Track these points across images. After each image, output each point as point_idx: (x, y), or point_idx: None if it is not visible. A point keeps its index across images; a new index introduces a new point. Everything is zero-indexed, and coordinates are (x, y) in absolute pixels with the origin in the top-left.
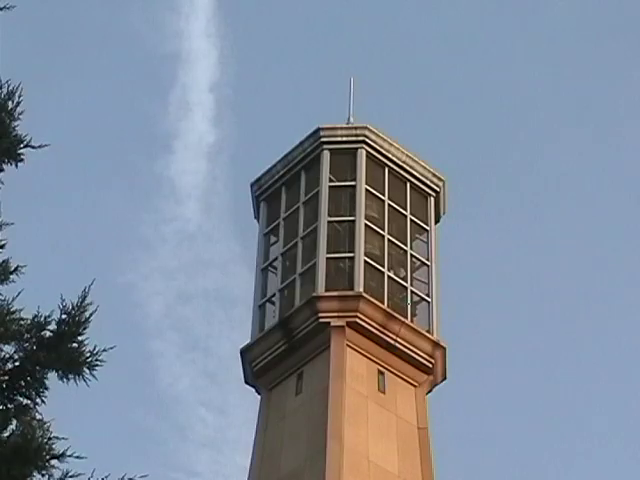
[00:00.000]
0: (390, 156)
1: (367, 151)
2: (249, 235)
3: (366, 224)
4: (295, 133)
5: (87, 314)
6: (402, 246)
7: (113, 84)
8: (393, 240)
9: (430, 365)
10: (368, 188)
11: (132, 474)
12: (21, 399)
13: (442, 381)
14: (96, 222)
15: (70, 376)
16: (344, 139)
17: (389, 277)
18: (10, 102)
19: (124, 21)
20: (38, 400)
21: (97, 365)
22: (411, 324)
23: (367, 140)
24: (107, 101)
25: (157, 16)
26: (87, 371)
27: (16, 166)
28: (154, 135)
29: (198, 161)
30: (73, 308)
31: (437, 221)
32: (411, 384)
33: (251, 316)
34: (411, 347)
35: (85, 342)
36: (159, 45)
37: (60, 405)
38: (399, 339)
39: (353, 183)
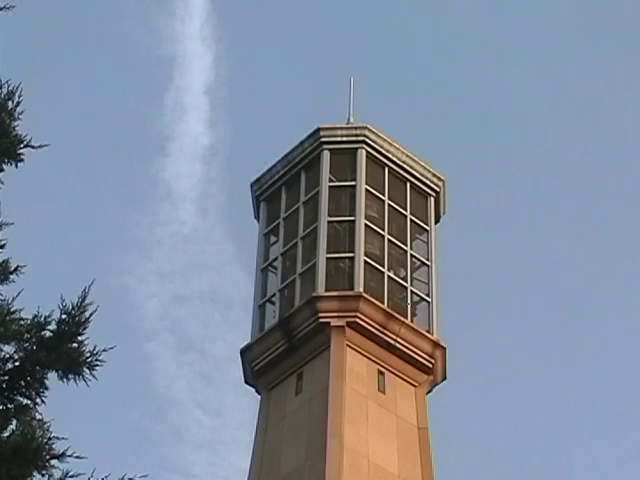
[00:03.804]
0: (390, 156)
1: (367, 151)
2: (245, 237)
3: (366, 224)
4: (295, 133)
5: (87, 314)
6: (402, 246)
7: (109, 87)
8: (393, 240)
9: (430, 365)
10: (368, 188)
11: (130, 475)
12: (21, 399)
13: (442, 381)
14: (92, 224)
15: (70, 376)
16: (344, 139)
17: (389, 277)
18: (10, 102)
19: (120, 24)
20: (38, 400)
21: (97, 365)
22: (411, 324)
23: (367, 140)
24: (103, 103)
25: (152, 19)
26: (87, 371)
27: (16, 166)
28: (149, 137)
29: (193, 163)
30: (73, 308)
31: (437, 221)
32: (411, 384)
33: (251, 316)
34: (411, 347)
35: (85, 342)
36: (154, 48)
37: (60, 405)
38: (399, 339)
39: (353, 183)
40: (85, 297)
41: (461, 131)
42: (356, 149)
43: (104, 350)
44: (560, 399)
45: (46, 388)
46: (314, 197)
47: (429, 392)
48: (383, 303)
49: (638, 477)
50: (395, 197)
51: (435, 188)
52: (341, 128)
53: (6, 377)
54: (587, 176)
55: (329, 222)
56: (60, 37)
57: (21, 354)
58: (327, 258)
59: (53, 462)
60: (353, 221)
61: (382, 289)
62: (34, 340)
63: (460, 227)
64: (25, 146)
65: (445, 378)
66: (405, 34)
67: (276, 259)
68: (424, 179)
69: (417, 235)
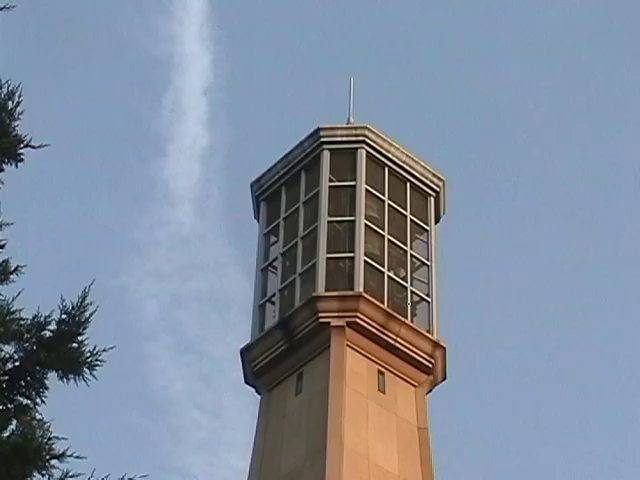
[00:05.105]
0: (390, 156)
1: (367, 151)
2: (243, 238)
3: (366, 224)
4: (295, 133)
5: (87, 314)
6: (402, 246)
7: (107, 87)
8: (393, 240)
9: (430, 365)
10: (368, 188)
11: (129, 475)
12: (21, 399)
13: (442, 381)
14: (90, 224)
15: (70, 376)
16: (344, 139)
17: (389, 277)
18: (10, 102)
19: (118, 25)
20: (38, 400)
21: (97, 365)
22: (411, 324)
23: (367, 140)
24: (102, 104)
25: (151, 20)
26: (87, 371)
27: (16, 166)
28: (148, 138)
29: (192, 164)
30: (73, 308)
31: (437, 221)
32: (411, 384)
33: (250, 316)
34: (411, 347)
35: (85, 342)
36: (153, 49)
37: (60, 405)
38: (399, 339)
39: (353, 183)
40: (85, 297)
41: (461, 131)
42: (356, 149)
43: (104, 350)
44: (560, 399)
45: (46, 388)
46: (314, 197)
47: (429, 392)
48: (383, 303)
49: (638, 477)
50: (395, 197)
51: (435, 188)
52: (341, 128)
53: (6, 377)
54: (587, 176)
55: (329, 222)
56: (59, 38)
57: (21, 354)
58: (327, 258)
59: (53, 462)
60: (353, 221)
61: (382, 289)
62: (34, 340)
63: (460, 227)
64: (25, 146)
65: (445, 378)
66: (405, 34)
67: (276, 259)
68: (424, 179)
69: (417, 235)
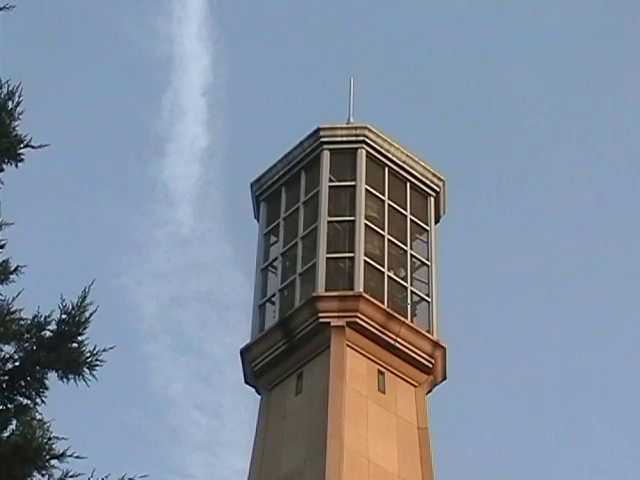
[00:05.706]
0: (390, 156)
1: (367, 151)
2: (243, 238)
3: (366, 224)
4: (295, 133)
5: (87, 314)
6: (402, 246)
7: (106, 88)
8: (393, 240)
9: (430, 365)
10: (368, 188)
11: (129, 475)
12: (21, 399)
13: (442, 381)
14: (90, 225)
15: (70, 376)
16: (344, 139)
17: (389, 277)
18: (10, 102)
19: (117, 25)
20: (38, 400)
21: (97, 365)
22: (411, 324)
23: (367, 140)
24: (101, 105)
25: (149, 20)
26: (87, 371)
27: (16, 166)
28: (147, 139)
29: (191, 165)
30: (73, 308)
31: (437, 221)
32: (411, 384)
33: (249, 317)
34: (411, 347)
35: (85, 342)
36: (152, 49)
37: (60, 405)
38: (399, 339)
39: (353, 183)
40: (85, 297)
41: (461, 131)
42: (356, 149)
43: (104, 350)
44: (560, 399)
45: (46, 388)
46: (314, 197)
47: (429, 392)
48: (383, 303)
49: (639, 477)
50: (395, 197)
51: (435, 188)
52: (341, 128)
53: (6, 377)
54: (587, 177)
55: (329, 222)
56: (59, 38)
57: (21, 354)
58: (327, 258)
59: (53, 462)
60: (353, 221)
61: (382, 289)
62: (34, 340)
63: (460, 227)
64: (25, 146)
65: (445, 378)
66: (405, 34)
67: (276, 259)
68: (424, 179)
69: (417, 235)
